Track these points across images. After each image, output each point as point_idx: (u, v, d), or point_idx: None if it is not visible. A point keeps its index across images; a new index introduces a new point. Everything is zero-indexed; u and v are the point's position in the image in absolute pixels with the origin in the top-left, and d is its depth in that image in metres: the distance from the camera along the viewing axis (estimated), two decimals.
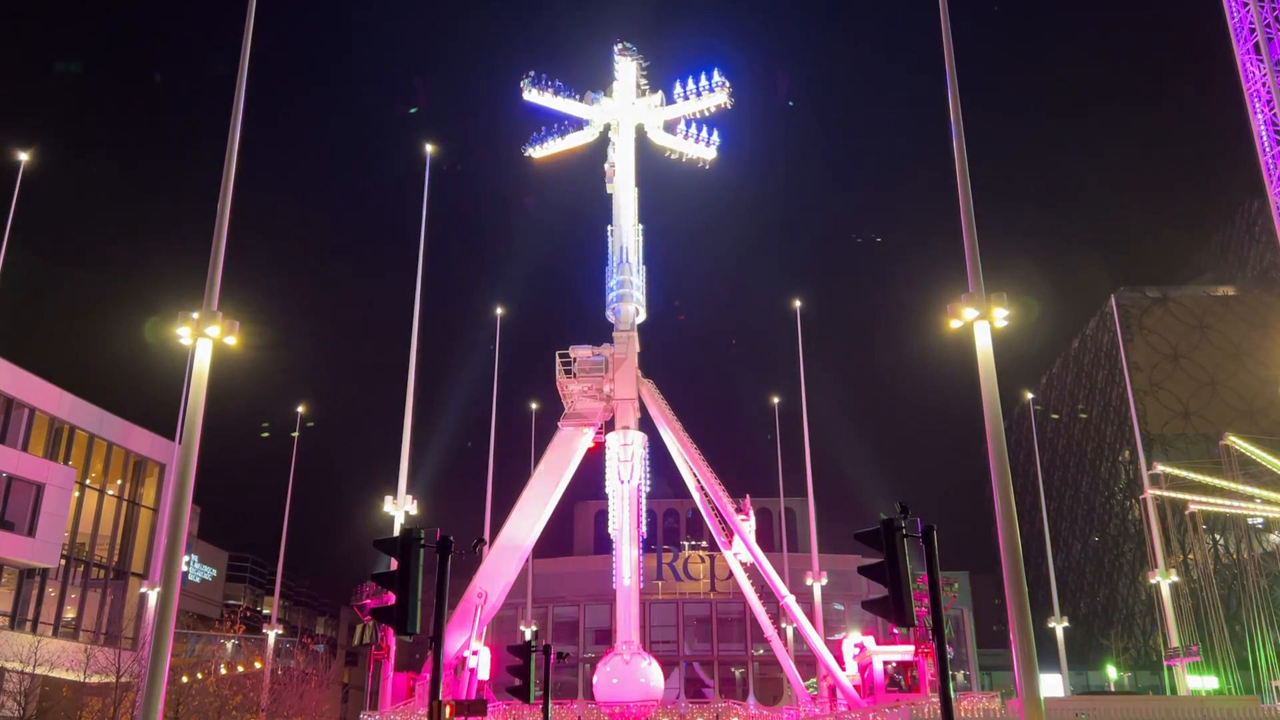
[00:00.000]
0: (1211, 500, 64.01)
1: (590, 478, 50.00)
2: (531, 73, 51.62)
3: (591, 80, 52.72)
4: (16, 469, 47.93)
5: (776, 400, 69.93)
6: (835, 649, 46.01)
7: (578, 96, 52.23)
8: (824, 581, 57.94)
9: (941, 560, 17.25)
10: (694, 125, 52.05)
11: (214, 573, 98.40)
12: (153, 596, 49.91)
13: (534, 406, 67.26)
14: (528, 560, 52.54)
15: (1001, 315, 24.79)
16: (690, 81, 51.24)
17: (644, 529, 47.32)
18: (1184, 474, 64.74)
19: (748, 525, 47.14)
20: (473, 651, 42.65)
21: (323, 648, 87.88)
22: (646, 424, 48.23)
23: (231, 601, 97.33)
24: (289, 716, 51.31)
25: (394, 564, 17.92)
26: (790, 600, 46.64)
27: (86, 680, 45.55)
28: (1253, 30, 55.75)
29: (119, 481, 57.50)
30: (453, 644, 42.23)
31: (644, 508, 47.24)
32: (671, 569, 78.17)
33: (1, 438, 48.28)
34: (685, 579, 78.10)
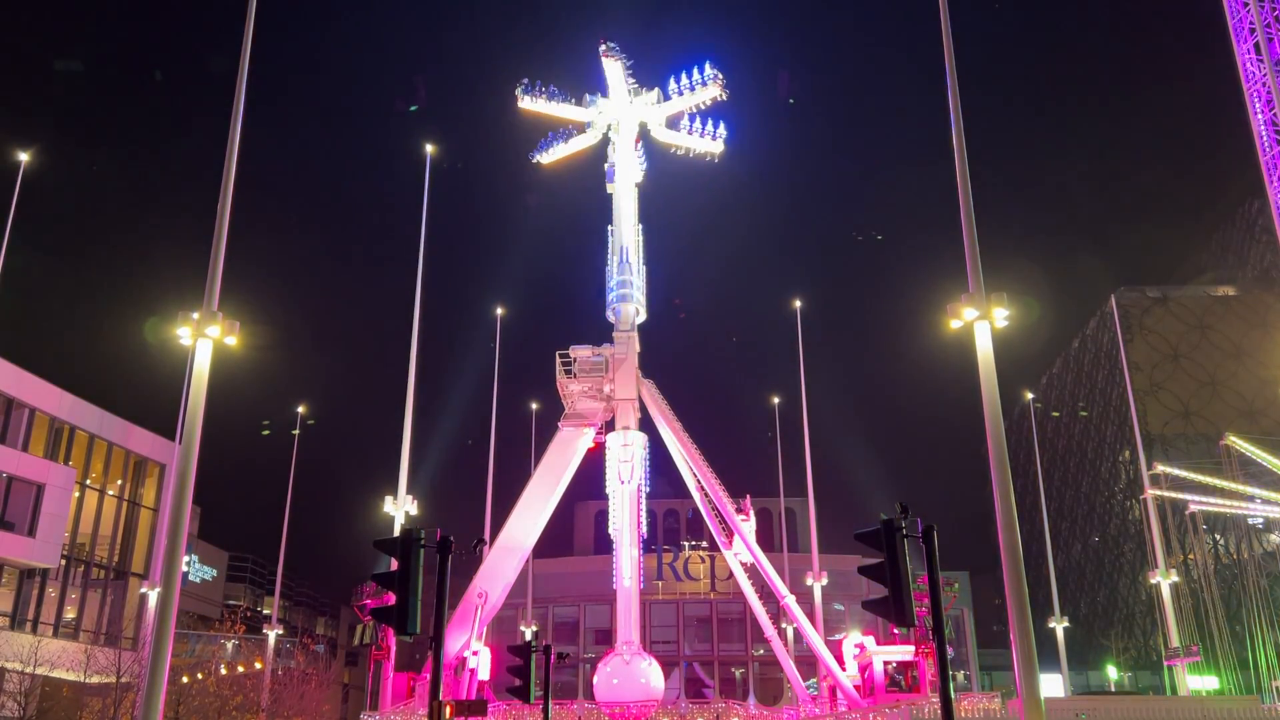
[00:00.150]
0: (1212, 500, 64.02)
1: (590, 478, 50.05)
2: (525, 80, 51.80)
3: (591, 81, 52.76)
4: (17, 469, 47.94)
5: (776, 400, 69.96)
6: (835, 649, 45.99)
7: (573, 100, 52.27)
8: (824, 581, 57.93)
9: (942, 560, 17.25)
10: (698, 119, 52.00)
11: (214, 573, 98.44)
12: (153, 597, 49.89)
13: (534, 407, 67.29)
14: (528, 560, 52.51)
15: (1002, 315, 24.78)
16: (684, 76, 51.20)
17: (644, 529, 47.31)
18: (1184, 474, 64.75)
19: (748, 525, 47.13)
20: (473, 652, 42.65)
21: (323, 648, 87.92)
22: (647, 424, 48.25)
23: (232, 602, 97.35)
24: (289, 717, 51.31)
25: (394, 564, 17.91)
26: (790, 600, 46.63)
27: (87, 680, 45.57)
28: (1253, 30, 55.75)
29: (119, 482, 57.51)
30: (453, 644, 42.23)
31: (644, 508, 47.24)
32: (672, 569, 78.15)
33: (2, 438, 48.29)
34: (685, 579, 78.09)
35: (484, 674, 43.39)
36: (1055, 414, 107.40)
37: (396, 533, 29.54)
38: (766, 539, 57.10)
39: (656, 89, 51.97)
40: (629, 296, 49.04)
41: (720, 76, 50.47)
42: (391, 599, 17.90)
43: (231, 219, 26.54)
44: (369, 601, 40.72)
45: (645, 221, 51.54)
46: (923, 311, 55.22)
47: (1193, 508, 65.44)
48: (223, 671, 58.48)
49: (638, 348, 48.63)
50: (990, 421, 24.04)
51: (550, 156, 52.56)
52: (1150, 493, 63.92)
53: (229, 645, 67.39)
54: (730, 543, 48.17)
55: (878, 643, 44.61)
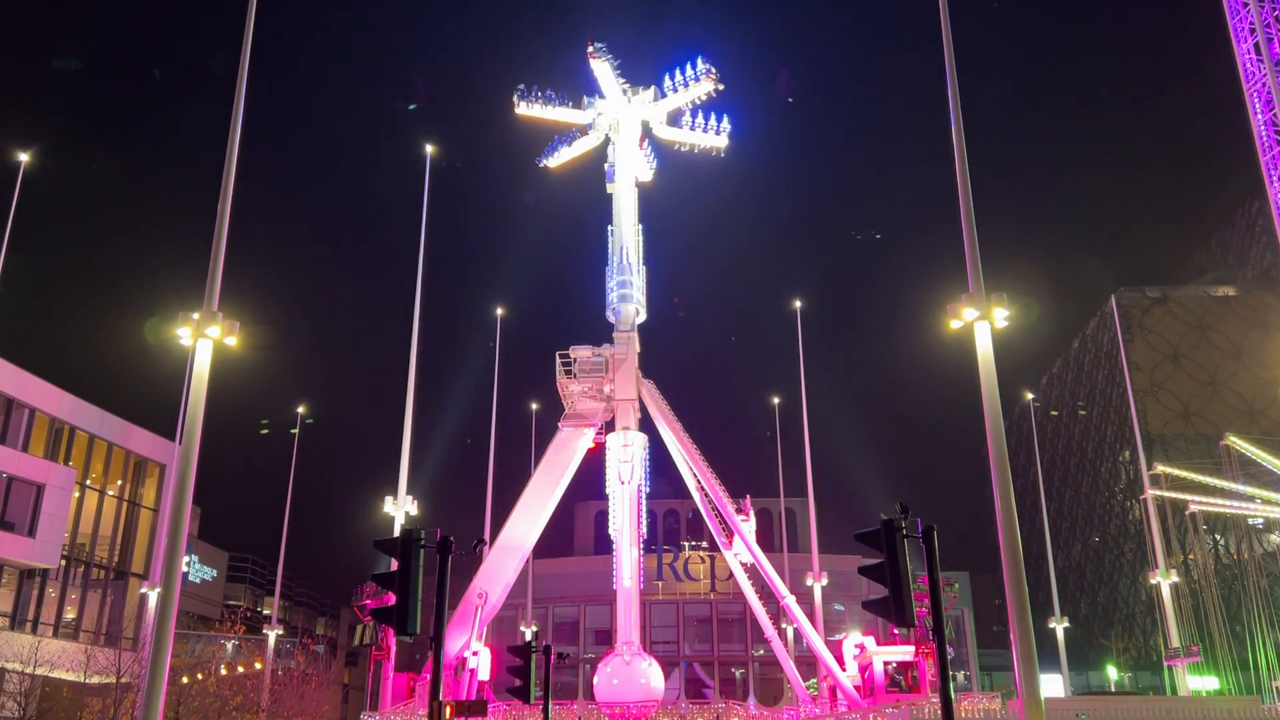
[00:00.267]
0: (1212, 500, 63.99)
1: (590, 478, 50.05)
2: (521, 86, 51.85)
3: (590, 82, 52.73)
4: (17, 469, 47.92)
5: (776, 400, 69.94)
6: (836, 649, 45.99)
7: (571, 103, 52.28)
8: (824, 582, 57.91)
9: (942, 560, 17.23)
10: (700, 114, 51.98)
11: (214, 573, 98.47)
12: (153, 597, 49.88)
13: (534, 407, 67.28)
14: (528, 561, 52.51)
15: (1002, 315, 24.76)
16: (678, 73, 51.20)
17: (644, 529, 47.31)
18: (1184, 474, 64.72)
19: (748, 525, 47.12)
20: (473, 652, 42.65)
21: (323, 648, 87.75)
22: (647, 424, 48.24)
23: (232, 602, 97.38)
24: (289, 717, 51.29)
25: (394, 564, 17.90)
26: (790, 600, 46.62)
27: (87, 681, 45.54)
28: (1253, 30, 55.75)
29: (119, 482, 57.49)
30: (453, 644, 42.22)
31: (644, 508, 47.22)
32: (672, 569, 78.12)
33: (2, 438, 48.27)
34: (685, 579, 78.05)
35: (484, 674, 43.39)
36: (1055, 414, 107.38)
37: (396, 533, 29.52)
38: (766, 539, 57.11)
39: (653, 87, 51.99)
40: (629, 297, 49.04)
41: (713, 71, 50.44)
42: (391, 599, 17.88)
43: (231, 219, 26.54)
44: (369, 602, 40.72)
45: (645, 222, 51.59)
46: (923, 311, 55.17)
47: (1193, 508, 65.40)
48: (223, 672, 58.48)
49: (638, 348, 48.62)
50: (990, 422, 24.02)
51: (557, 160, 52.65)
52: (1150, 493, 63.90)
53: (229, 645, 67.36)
54: (730, 543, 48.16)
55: (878, 643, 44.61)
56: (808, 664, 54.35)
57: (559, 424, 48.51)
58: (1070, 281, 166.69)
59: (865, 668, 42.77)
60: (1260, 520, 75.89)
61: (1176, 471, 65.62)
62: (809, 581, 57.46)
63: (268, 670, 59.65)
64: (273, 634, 64.29)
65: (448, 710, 19.84)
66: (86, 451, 54.46)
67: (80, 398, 53.69)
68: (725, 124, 52.07)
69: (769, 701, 62.47)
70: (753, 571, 48.25)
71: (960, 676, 76.50)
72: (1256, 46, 55.77)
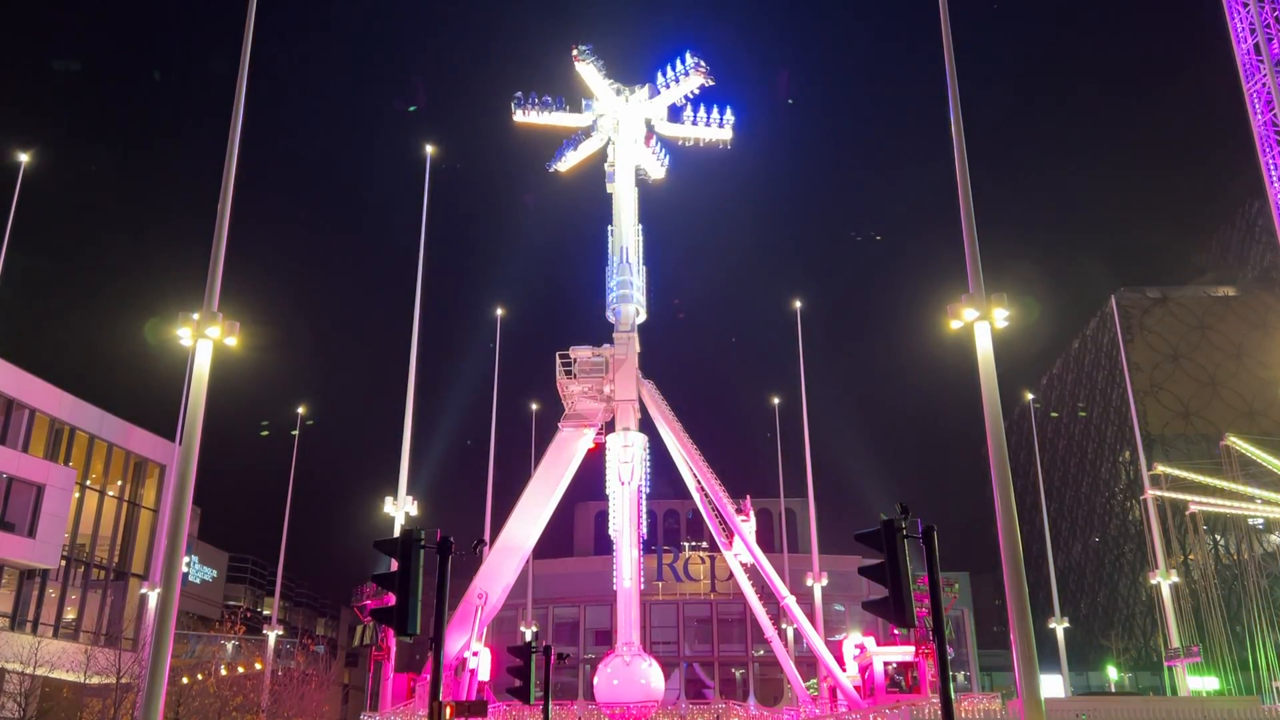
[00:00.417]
0: (1212, 501, 63.99)
1: (590, 478, 50.05)
2: (518, 94, 51.95)
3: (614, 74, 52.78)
4: (17, 470, 47.91)
5: (776, 400, 69.94)
6: (836, 650, 46.00)
7: (569, 107, 52.30)
8: (824, 582, 57.92)
9: (942, 561, 17.23)
10: (701, 108, 51.99)
11: (214, 574, 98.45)
12: (153, 597, 49.88)
13: (534, 407, 67.28)
14: (528, 561, 52.51)
15: (1002, 316, 24.76)
16: (669, 69, 51.21)
17: (644, 530, 47.31)
18: (1184, 474, 64.72)
19: (748, 526, 47.13)
20: (473, 652, 42.66)
21: (323, 649, 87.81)
22: (647, 424, 48.23)
23: (232, 602, 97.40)
24: (289, 717, 51.29)
25: (394, 565, 17.90)
26: (791, 601, 46.63)
27: (87, 681, 45.52)
28: (1253, 31, 55.76)
29: (119, 482, 57.48)
30: (453, 645, 42.23)
31: (644, 509, 47.22)
32: (672, 570, 78.12)
33: (2, 439, 48.25)
34: (685, 580, 78.05)
35: (484, 675, 43.40)
36: (1055, 414, 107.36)
37: (396, 533, 29.52)
38: (766, 539, 57.10)
39: (648, 85, 51.97)
40: (629, 297, 49.04)
41: (702, 64, 50.38)
42: (391, 600, 17.88)
43: (231, 219, 26.54)
44: (369, 602, 40.76)
45: (645, 222, 51.58)
46: (923, 312, 55.18)
47: (1193, 508, 65.42)
48: (223, 672, 58.47)
49: (638, 348, 48.62)
50: (990, 422, 24.02)
51: (566, 164, 52.68)
52: (1150, 493, 63.90)
53: (229, 646, 67.36)
54: (730, 543, 48.17)
55: (878, 643, 44.62)
56: (808, 664, 54.37)
57: (559, 424, 48.52)
58: (1070, 282, 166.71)
59: (865, 668, 42.78)
60: (1260, 520, 75.88)
61: (1176, 472, 65.63)
62: (809, 582, 57.47)
63: (268, 671, 59.64)
64: (273, 634, 64.28)
65: (448, 711, 19.83)
66: (86, 452, 54.45)
67: (80, 398, 53.69)
68: (728, 116, 52.10)
69: (769, 702, 62.46)
70: (753, 572, 48.25)
71: (960, 677, 76.51)
72: (1256, 46, 55.78)
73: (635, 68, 52.95)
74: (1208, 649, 63.58)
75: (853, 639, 46.08)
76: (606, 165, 52.00)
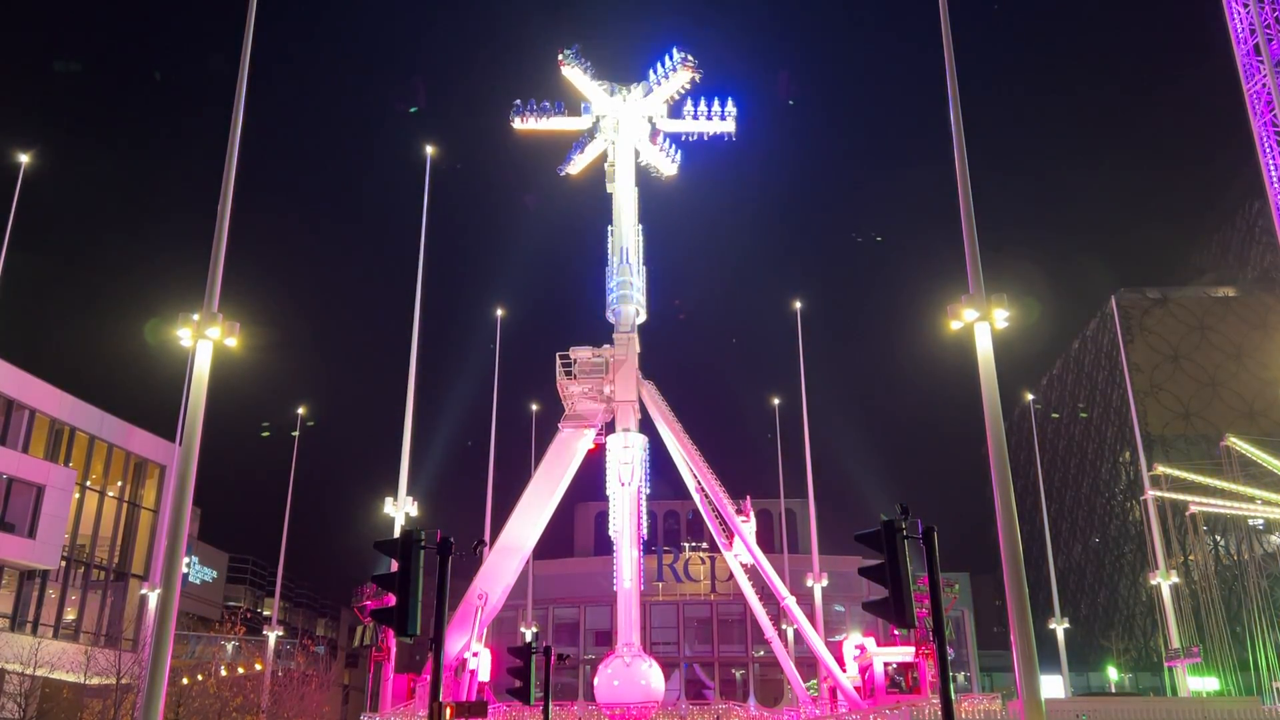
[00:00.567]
0: (1212, 501, 63.99)
1: (591, 479, 50.01)
2: (517, 102, 51.97)
3: (607, 73, 52.74)
4: (17, 470, 47.91)
5: (777, 401, 69.91)
6: (836, 650, 45.98)
7: (567, 110, 52.27)
8: (824, 583, 57.89)
9: (942, 561, 17.22)
10: (701, 101, 51.89)
11: (214, 574, 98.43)
12: (153, 598, 49.86)
13: (534, 408, 67.24)
14: (528, 562, 52.49)
15: (1002, 316, 24.75)
16: (659, 65, 51.14)
17: (644, 531, 47.28)
18: (1185, 475, 64.72)
19: (748, 526, 47.11)
20: (473, 653, 42.65)
21: (323, 649, 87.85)
22: (647, 425, 48.20)
23: (232, 603, 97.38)
24: (289, 718, 51.29)
25: (394, 565, 17.89)
26: (791, 601, 46.62)
27: (87, 682, 45.51)
28: (1253, 31, 55.74)
29: (119, 483, 57.48)
30: (453, 646, 42.21)
31: (644, 509, 47.20)
32: (672, 570, 78.12)
33: (2, 439, 48.26)
34: (686, 580, 78.05)
35: (484, 675, 43.38)
36: (1055, 415, 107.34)
37: (397, 534, 29.52)
38: (767, 540, 57.07)
39: (643, 83, 51.91)
40: (629, 297, 48.99)
41: (690, 59, 50.27)
42: (392, 600, 17.87)
43: (232, 220, 26.54)
44: (369, 603, 40.74)
45: (645, 222, 51.54)
46: (923, 312, 55.20)
47: (1193, 509, 65.40)
48: (223, 673, 58.43)
49: (638, 349, 48.58)
50: (990, 422, 24.02)
51: (576, 167, 52.55)
52: (1150, 494, 63.88)
53: (229, 647, 67.33)
54: (730, 544, 48.16)
55: (878, 644, 44.60)
56: (808, 665, 54.33)
57: (559, 425, 48.48)
58: (1070, 282, 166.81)
59: (865, 669, 42.76)
60: (1260, 521, 75.86)
61: (1177, 472, 65.62)
62: (809, 582, 57.45)
63: (268, 671, 59.62)
64: (273, 635, 64.25)
65: (448, 711, 19.82)
66: (87, 452, 54.46)
67: (80, 399, 53.70)
68: (729, 107, 51.87)
69: (769, 702, 62.46)
70: (753, 572, 48.23)
71: (960, 677, 76.50)
72: (1256, 47, 55.76)
73: (635, 66, 52.89)
74: (1208, 649, 63.56)
75: (853, 639, 46.06)
76: (606, 165, 51.95)
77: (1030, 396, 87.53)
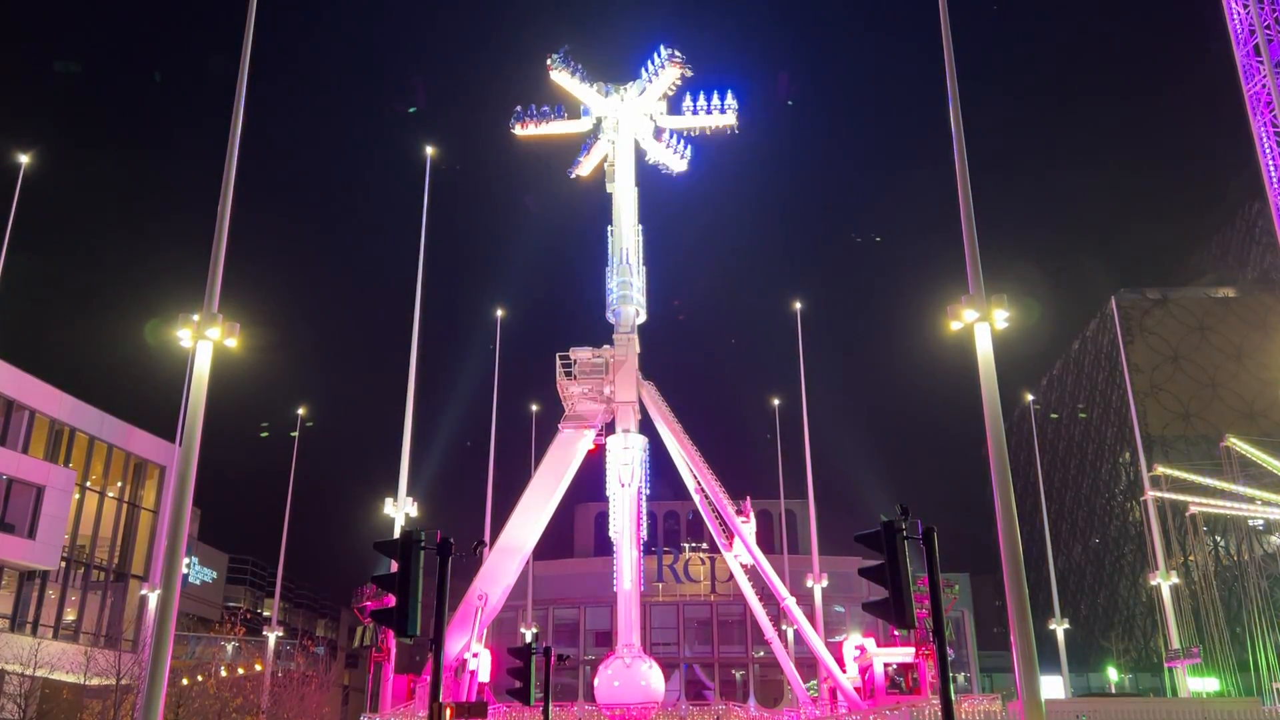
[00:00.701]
0: (1212, 502, 63.96)
1: (591, 480, 50.03)
2: (518, 108, 51.91)
3: (603, 73, 52.70)
4: (17, 471, 47.90)
5: (777, 402, 69.93)
6: (836, 651, 46.00)
7: (567, 113, 52.24)
8: (824, 583, 57.91)
9: (942, 562, 17.21)
10: (701, 95, 51.79)
11: (214, 575, 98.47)
12: (153, 599, 49.86)
13: (534, 409, 67.26)
14: (528, 562, 52.48)
15: (1002, 317, 24.76)
16: (649, 63, 51.04)
17: (644, 531, 47.27)
18: (1184, 476, 64.66)
19: (748, 527, 47.12)
20: (473, 654, 42.64)
21: (323, 650, 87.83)
22: (647, 425, 48.20)
23: (232, 604, 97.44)
24: (289, 719, 51.26)
25: (394, 566, 17.89)
26: (791, 602, 46.62)
27: (87, 683, 45.49)
28: (1253, 32, 55.70)
29: (119, 484, 57.47)
30: (453, 646, 42.21)
31: (644, 510, 47.19)
32: (672, 571, 78.13)
33: (2, 440, 48.25)
34: (686, 581, 78.06)
35: (484, 676, 43.39)
36: (1055, 415, 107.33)
37: (396, 534, 29.54)
38: (767, 541, 57.08)
39: (638, 81, 51.80)
40: (629, 298, 48.96)
41: (677, 55, 50.05)
42: (391, 601, 17.87)
43: (232, 220, 26.54)
44: (369, 603, 40.72)
45: (645, 222, 51.53)
46: (923, 313, 55.11)
47: (1193, 509, 65.37)
48: (223, 673, 58.40)
49: (638, 349, 48.56)
50: (990, 423, 24.02)
51: (586, 169, 52.51)
52: (1150, 494, 63.87)
53: (229, 647, 67.31)
54: (730, 544, 48.16)
55: (878, 644, 44.60)
56: (808, 665, 54.35)
57: (559, 425, 48.48)
58: (1070, 283, 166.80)
59: (865, 669, 42.77)
60: (1260, 522, 75.82)
61: (1177, 473, 65.57)
62: (809, 583, 57.46)
63: (268, 672, 59.62)
64: (273, 636, 64.27)
65: (448, 712, 19.82)
66: (86, 453, 54.44)
67: (80, 399, 53.69)
68: (729, 100, 51.57)
69: (769, 703, 62.52)
70: (753, 573, 48.23)
71: (960, 678, 76.50)
72: (1256, 48, 55.72)
73: (634, 65, 52.76)
74: (1208, 650, 63.52)
75: (853, 640, 46.08)
76: (606, 165, 51.94)
77: (1030, 397, 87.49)
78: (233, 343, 25.75)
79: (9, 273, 45.95)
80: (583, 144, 52.53)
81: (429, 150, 52.17)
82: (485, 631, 44.85)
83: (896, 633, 42.14)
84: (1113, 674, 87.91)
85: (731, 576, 53.76)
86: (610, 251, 50.06)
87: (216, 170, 26.94)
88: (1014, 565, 22.73)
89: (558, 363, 48.03)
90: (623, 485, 46.19)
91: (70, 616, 53.79)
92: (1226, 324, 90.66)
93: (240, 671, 61.94)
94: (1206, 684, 64.79)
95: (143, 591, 54.29)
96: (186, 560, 54.20)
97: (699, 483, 47.96)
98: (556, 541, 78.12)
